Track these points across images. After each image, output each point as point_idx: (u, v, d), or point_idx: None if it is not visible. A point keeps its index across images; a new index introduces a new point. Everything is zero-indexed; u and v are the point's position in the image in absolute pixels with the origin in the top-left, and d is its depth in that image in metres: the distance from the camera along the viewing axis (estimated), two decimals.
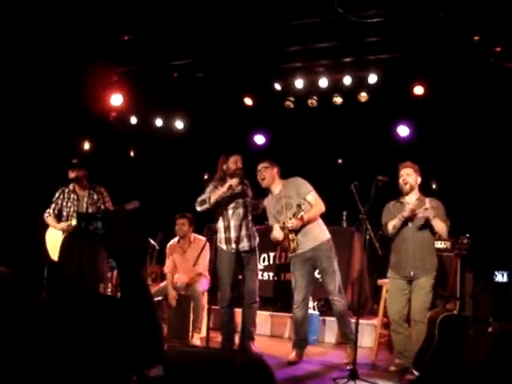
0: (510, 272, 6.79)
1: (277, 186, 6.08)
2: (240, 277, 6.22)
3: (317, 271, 6.20)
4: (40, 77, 7.89)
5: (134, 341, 2.74)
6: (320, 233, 5.99)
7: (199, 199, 6.11)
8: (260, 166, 6.09)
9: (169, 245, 7.25)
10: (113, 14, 7.03)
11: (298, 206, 5.80)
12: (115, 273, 7.16)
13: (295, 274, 6.03)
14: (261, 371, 2.83)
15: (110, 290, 7.09)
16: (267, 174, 6.05)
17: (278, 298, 7.61)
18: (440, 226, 5.40)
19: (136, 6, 6.97)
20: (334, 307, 6.00)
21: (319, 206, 5.97)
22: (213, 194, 5.97)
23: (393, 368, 5.59)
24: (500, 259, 6.91)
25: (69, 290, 2.92)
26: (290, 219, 5.83)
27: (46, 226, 6.67)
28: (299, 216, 5.79)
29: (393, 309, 5.62)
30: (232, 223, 6.08)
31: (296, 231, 5.90)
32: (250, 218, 6.19)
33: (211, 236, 6.10)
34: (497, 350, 2.93)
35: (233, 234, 6.03)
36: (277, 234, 6.00)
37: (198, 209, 6.15)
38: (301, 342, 6.08)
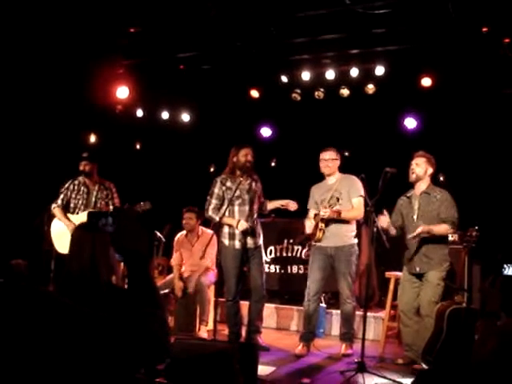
0: None
1: (332, 178, 6.07)
2: (245, 269, 6.21)
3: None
4: (46, 70, 7.88)
5: (143, 335, 2.74)
6: (348, 235, 5.98)
7: (211, 208, 6.10)
8: (327, 156, 6.06)
9: (176, 238, 7.24)
10: (119, 7, 7.01)
11: (337, 199, 5.81)
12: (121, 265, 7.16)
13: (312, 266, 6.04)
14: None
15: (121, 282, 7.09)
16: (333, 164, 6.05)
17: (285, 290, 7.61)
18: (440, 230, 5.38)
19: None
20: (345, 307, 6.02)
21: (358, 212, 5.94)
22: (219, 216, 5.96)
23: (400, 361, 5.58)
24: (509, 252, 6.87)
25: (81, 283, 2.91)
26: (325, 208, 5.83)
27: (51, 219, 6.65)
28: (335, 208, 5.79)
29: (402, 300, 5.62)
30: (237, 219, 6.08)
31: (327, 223, 5.88)
32: (255, 214, 6.18)
33: (218, 229, 6.08)
34: (503, 345, 2.91)
35: (237, 231, 6.03)
36: (307, 225, 6.07)
37: (208, 215, 6.18)
38: (309, 334, 6.08)
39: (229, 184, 6.10)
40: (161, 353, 2.90)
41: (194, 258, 6.91)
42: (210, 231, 6.89)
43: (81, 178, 6.62)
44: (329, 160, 6.04)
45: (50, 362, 2.48)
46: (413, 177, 5.55)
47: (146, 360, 2.83)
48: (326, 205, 5.86)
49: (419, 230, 5.30)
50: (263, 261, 6.28)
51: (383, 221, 5.46)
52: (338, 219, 5.85)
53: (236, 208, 6.06)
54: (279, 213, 7.86)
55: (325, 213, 5.80)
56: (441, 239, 5.42)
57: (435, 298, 5.29)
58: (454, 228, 5.37)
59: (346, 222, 5.92)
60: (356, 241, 6.04)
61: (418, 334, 5.43)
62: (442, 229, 5.37)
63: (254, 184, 6.15)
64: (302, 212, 6.27)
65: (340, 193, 5.94)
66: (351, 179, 6.04)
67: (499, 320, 4.67)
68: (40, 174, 8.24)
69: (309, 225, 6.04)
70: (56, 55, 7.73)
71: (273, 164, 10.01)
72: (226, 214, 6.00)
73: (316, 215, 5.96)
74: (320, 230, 5.89)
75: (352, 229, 6.02)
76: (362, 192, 5.91)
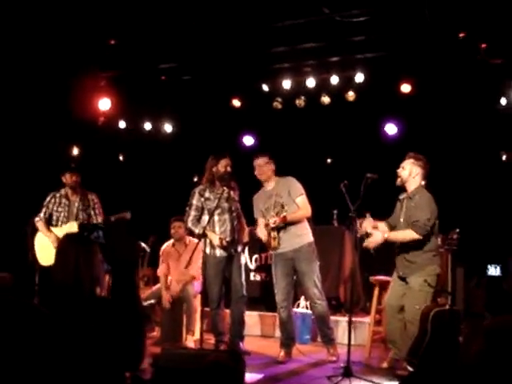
0: (503, 265, 6.83)
1: (270, 183, 6.10)
2: (227, 275, 6.25)
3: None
4: (27, 82, 7.87)
5: (124, 342, 2.76)
6: (302, 235, 6.01)
7: (190, 220, 6.16)
8: (260, 161, 6.08)
9: (163, 249, 7.22)
10: (99, 19, 7.03)
11: (281, 206, 5.86)
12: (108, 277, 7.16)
13: (275, 274, 6.09)
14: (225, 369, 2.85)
15: (105, 294, 7.08)
16: (266, 169, 6.06)
17: (269, 298, 7.61)
18: (399, 237, 5.40)
19: (122, 11, 6.97)
20: (315, 310, 6.04)
21: (305, 211, 6.00)
22: (201, 227, 6.00)
23: (385, 364, 5.61)
24: (492, 253, 6.95)
25: (64, 295, 2.93)
26: (273, 217, 5.87)
27: (35, 232, 6.67)
28: (281, 215, 5.83)
29: (388, 297, 5.64)
30: (217, 229, 6.11)
31: (278, 230, 5.93)
32: (235, 223, 6.21)
33: (200, 239, 6.08)
34: (489, 344, 2.95)
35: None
36: (260, 232, 6.04)
37: (187, 226, 6.27)
38: (287, 341, 6.10)
39: (207, 195, 6.13)
40: (135, 360, 2.93)
41: (180, 268, 6.90)
42: (197, 240, 6.89)
43: (63, 191, 6.65)
44: (262, 165, 6.06)
45: (34, 371, 2.49)
46: (398, 181, 5.53)
47: (120, 367, 2.85)
48: (273, 214, 5.91)
49: (377, 238, 5.34)
50: (242, 264, 6.31)
51: (367, 224, 5.47)
52: (287, 223, 5.89)
53: (216, 218, 6.09)
54: None
55: (274, 222, 5.85)
56: (422, 243, 5.33)
57: (419, 305, 5.19)
58: (418, 232, 5.24)
59: (296, 223, 5.95)
60: (312, 238, 6.04)
61: (402, 331, 5.46)
62: (401, 235, 5.37)
63: (231, 192, 6.18)
64: None
65: (281, 196, 5.97)
66: (289, 180, 6.08)
67: (484, 321, 4.71)
68: (24, 186, 8.21)
69: (262, 231, 6.01)
70: (37, 68, 7.73)
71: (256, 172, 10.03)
72: (206, 222, 6.01)
73: (267, 225, 5.97)
74: (274, 238, 5.93)
75: (304, 227, 6.03)
76: (302, 190, 5.99)
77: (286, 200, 5.94)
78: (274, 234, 5.93)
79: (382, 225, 5.62)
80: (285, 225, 5.90)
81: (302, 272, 5.96)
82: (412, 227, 5.29)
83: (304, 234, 6.02)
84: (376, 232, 5.42)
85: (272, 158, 6.13)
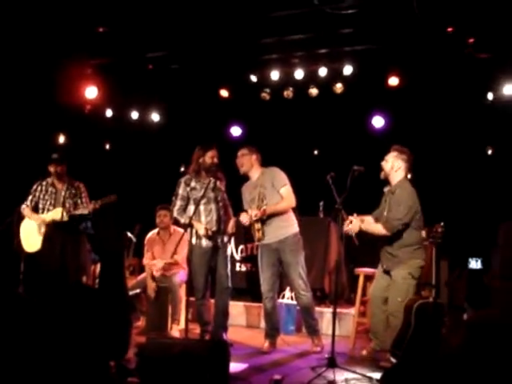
0: (484, 259, 6.90)
1: (255, 173, 6.12)
2: (212, 265, 6.25)
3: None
4: (14, 70, 7.81)
5: (109, 331, 2.77)
6: (287, 226, 6.03)
7: (176, 209, 6.16)
8: (238, 154, 6.13)
9: (147, 237, 7.23)
10: (87, 6, 6.97)
11: (261, 200, 5.88)
12: (96, 266, 7.15)
13: (261, 264, 6.12)
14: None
15: (91, 282, 7.07)
16: (245, 160, 6.09)
17: (254, 288, 7.63)
18: (370, 230, 5.47)
19: None
20: (300, 301, 6.07)
21: (289, 201, 6.01)
22: (187, 217, 6.00)
23: (364, 352, 5.66)
24: (474, 246, 7.01)
25: (50, 283, 2.93)
26: (254, 210, 5.92)
27: (21, 220, 6.66)
28: (262, 209, 5.87)
29: (372, 289, 5.71)
30: (203, 218, 6.11)
31: (263, 222, 5.96)
32: (221, 213, 6.22)
33: (186, 228, 6.08)
34: (470, 338, 2.99)
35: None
36: (243, 218, 6.06)
37: (173, 216, 6.27)
38: (272, 331, 6.14)
39: (193, 184, 6.13)
40: (121, 349, 2.94)
41: (165, 256, 6.91)
42: (181, 230, 6.89)
43: (49, 179, 6.66)
44: (240, 157, 6.11)
45: (18, 357, 2.49)
46: (381, 174, 5.57)
47: (107, 355, 2.87)
48: (255, 206, 5.95)
49: (355, 226, 5.41)
50: (228, 255, 6.32)
51: (355, 226, 5.49)
52: (271, 215, 5.92)
53: (202, 207, 6.09)
54: None
55: (255, 215, 5.90)
56: (401, 237, 5.37)
57: (401, 298, 5.25)
58: (387, 228, 5.33)
59: (280, 214, 5.97)
60: (297, 229, 6.06)
61: (385, 323, 5.50)
62: (372, 228, 5.46)
63: (218, 182, 6.19)
64: None
65: (265, 187, 6.00)
66: (273, 171, 6.11)
67: (465, 313, 4.76)
68: (9, 175, 8.16)
69: (245, 217, 6.02)
70: (24, 55, 7.66)
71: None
72: (192, 212, 6.02)
73: (250, 217, 5.99)
74: (258, 230, 5.98)
75: (289, 218, 6.05)
76: (286, 180, 6.01)
77: (270, 191, 5.97)
78: (257, 225, 5.96)
79: (369, 218, 5.65)
80: (268, 216, 5.92)
81: (287, 263, 5.99)
82: (382, 223, 5.39)
83: (289, 225, 6.04)
84: (356, 221, 5.46)
85: (253, 149, 6.15)
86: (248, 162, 6.10)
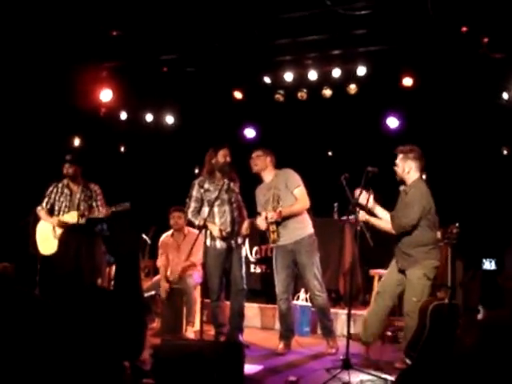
0: (498, 259, 6.86)
1: (268, 175, 6.13)
2: (227, 267, 6.26)
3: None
4: (29, 73, 7.87)
5: (124, 333, 2.79)
6: (303, 227, 6.04)
7: (190, 211, 6.19)
8: (253, 155, 6.15)
9: (162, 239, 7.25)
10: (101, 10, 7.02)
11: (277, 201, 5.88)
12: (111, 268, 7.19)
13: (276, 266, 6.12)
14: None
15: (106, 284, 7.11)
16: (259, 161, 6.11)
17: (269, 290, 7.63)
18: (381, 225, 5.49)
19: (124, 2, 6.96)
20: (316, 302, 6.07)
21: (303, 202, 6.02)
22: (202, 219, 6.02)
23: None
24: (488, 247, 6.97)
25: (65, 285, 2.96)
26: (270, 212, 5.92)
27: (37, 221, 6.70)
28: (277, 211, 5.87)
29: (383, 281, 5.71)
30: (217, 220, 6.12)
31: (278, 223, 5.96)
32: (235, 214, 6.22)
33: (201, 230, 6.09)
34: (483, 338, 2.97)
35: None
36: (260, 222, 6.07)
37: (188, 218, 6.32)
38: (287, 333, 6.14)
39: (207, 186, 6.14)
40: (135, 350, 2.96)
41: (180, 258, 6.93)
42: (196, 231, 6.91)
43: (65, 181, 6.68)
44: (255, 158, 6.12)
45: (36, 359, 2.51)
46: (397, 178, 5.54)
47: (121, 356, 2.88)
48: (271, 208, 5.95)
49: (360, 216, 5.42)
50: (243, 256, 6.33)
51: (361, 215, 5.49)
52: (286, 216, 5.92)
53: (216, 209, 6.10)
54: None
55: (271, 217, 5.90)
56: (416, 236, 5.34)
57: (416, 298, 5.22)
58: (394, 228, 5.35)
59: (295, 215, 5.98)
60: (312, 230, 6.07)
61: (382, 317, 5.52)
62: (380, 223, 5.49)
63: (232, 184, 6.20)
64: None
65: (279, 189, 6.00)
66: (286, 172, 6.12)
67: (479, 314, 4.73)
68: (26, 176, 8.23)
69: (262, 221, 6.04)
70: (39, 59, 7.73)
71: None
72: (207, 214, 6.02)
73: (266, 218, 6.00)
74: (273, 232, 5.98)
75: (304, 219, 6.07)
76: (300, 181, 6.02)
77: (284, 192, 5.97)
78: (272, 227, 5.96)
79: (387, 216, 5.60)
80: (283, 218, 5.93)
81: (302, 264, 5.99)
82: (392, 221, 5.38)
83: (304, 227, 6.04)
84: (363, 212, 5.47)
85: (268, 151, 6.17)
86: (262, 163, 6.11)
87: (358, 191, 5.41)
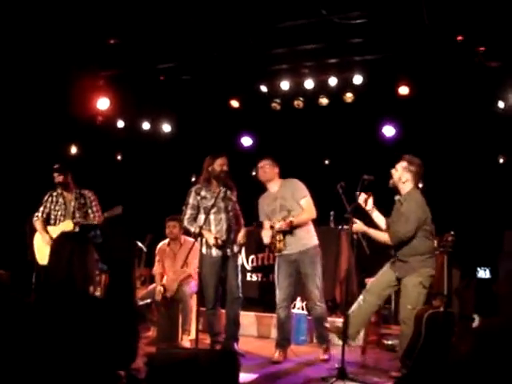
0: (493, 268, 6.86)
1: (274, 185, 6.14)
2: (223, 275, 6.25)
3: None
4: (26, 81, 7.89)
5: (116, 341, 2.78)
6: (308, 238, 6.05)
7: (186, 218, 6.19)
8: (263, 164, 6.14)
9: (158, 248, 7.24)
10: (99, 18, 7.04)
11: (288, 211, 5.87)
12: (104, 276, 7.17)
13: (278, 274, 6.10)
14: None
15: (99, 292, 7.08)
16: (269, 170, 6.12)
17: (265, 298, 7.63)
18: (375, 236, 5.52)
19: (122, 10, 6.98)
20: (315, 311, 6.08)
21: (310, 213, 6.03)
22: (197, 226, 6.00)
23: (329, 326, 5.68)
24: (483, 255, 6.98)
25: (58, 292, 2.95)
26: (279, 221, 5.90)
27: (34, 230, 6.69)
28: (288, 220, 5.85)
29: (372, 281, 5.68)
30: (212, 228, 6.13)
31: (284, 233, 5.95)
32: (231, 223, 6.21)
33: (197, 238, 6.09)
34: (478, 346, 2.97)
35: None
36: (264, 235, 6.07)
37: (184, 225, 6.31)
38: (283, 341, 6.12)
39: (203, 193, 6.15)
40: (127, 359, 2.95)
41: (176, 267, 6.92)
42: (192, 240, 6.90)
43: (58, 190, 6.67)
44: (265, 166, 6.13)
45: (27, 367, 2.51)
46: (390, 182, 5.52)
47: (114, 364, 2.87)
48: (280, 218, 5.94)
49: (356, 226, 5.43)
50: (238, 265, 6.32)
51: (359, 226, 5.49)
52: (293, 227, 5.93)
53: (212, 216, 6.09)
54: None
55: (280, 226, 5.89)
56: (413, 245, 5.33)
57: (411, 305, 5.22)
58: (392, 240, 5.35)
59: (301, 225, 5.99)
60: (317, 241, 6.09)
61: (367, 316, 5.55)
62: (378, 235, 5.50)
63: (228, 192, 6.20)
64: None
65: (285, 199, 6.01)
66: (293, 182, 6.13)
67: (473, 322, 4.73)
68: (23, 184, 8.23)
69: (267, 234, 6.06)
70: (37, 67, 7.74)
71: (253, 173, 10.08)
72: (203, 222, 6.03)
73: (272, 227, 6.00)
74: (279, 241, 5.97)
75: (309, 228, 6.08)
76: (306, 192, 6.03)
77: (290, 202, 5.98)
78: (279, 236, 5.96)
79: (383, 221, 5.60)
80: (290, 228, 5.93)
81: (305, 274, 6.00)
82: (389, 233, 5.39)
83: (310, 237, 6.06)
84: (360, 222, 5.49)
85: (275, 162, 6.18)
86: (271, 172, 6.13)
87: (357, 193, 5.42)
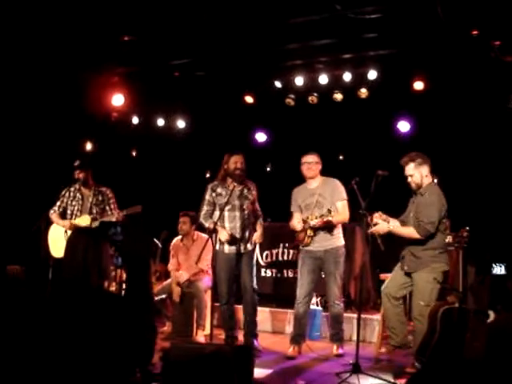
0: (508, 264, 6.81)
1: (315, 182, 6.17)
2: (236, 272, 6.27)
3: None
4: (42, 78, 7.94)
5: (134, 337, 2.80)
6: (336, 238, 6.09)
7: (202, 214, 6.23)
8: (310, 158, 6.17)
9: (172, 244, 7.29)
10: (113, 15, 7.07)
11: (329, 211, 5.87)
12: (119, 271, 7.22)
13: (301, 269, 6.13)
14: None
15: (113, 287, 7.13)
16: (316, 167, 6.16)
17: (280, 294, 7.64)
18: (401, 232, 5.43)
19: (136, 7, 7.01)
20: (333, 309, 6.12)
21: (344, 216, 6.06)
22: (212, 222, 6.05)
23: (383, 349, 5.74)
24: (498, 252, 6.92)
25: (73, 288, 2.98)
26: (316, 218, 5.92)
27: (49, 225, 6.75)
28: (326, 219, 5.86)
29: (386, 284, 5.64)
30: (226, 225, 6.15)
31: (315, 229, 5.98)
32: (246, 221, 6.22)
33: (211, 234, 6.11)
34: (492, 341, 2.97)
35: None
36: (296, 224, 6.10)
37: (199, 221, 6.33)
38: (299, 337, 6.14)
39: (219, 190, 6.19)
40: (146, 356, 2.98)
41: (190, 263, 6.95)
42: (205, 236, 6.93)
43: (76, 185, 6.72)
44: (312, 163, 6.14)
45: (46, 363, 2.53)
46: (413, 186, 5.48)
47: (133, 362, 2.90)
48: (317, 215, 5.94)
49: (383, 227, 5.38)
50: (253, 262, 6.33)
51: (383, 227, 5.44)
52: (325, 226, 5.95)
53: (226, 213, 6.13)
54: (275, 217, 7.94)
55: (316, 223, 5.91)
56: (427, 240, 5.31)
57: (424, 301, 5.22)
58: (420, 232, 5.27)
59: (332, 226, 6.01)
60: (343, 242, 6.13)
61: (399, 317, 5.48)
62: (404, 231, 5.41)
63: (245, 190, 6.21)
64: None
65: (324, 197, 6.04)
66: (334, 183, 6.15)
67: (488, 318, 4.70)
68: (38, 180, 8.29)
69: (298, 225, 6.09)
70: (52, 64, 7.79)
71: (268, 169, 10.10)
72: (218, 219, 6.06)
73: (304, 222, 6.04)
74: (309, 236, 6.01)
75: (338, 231, 6.13)
76: (345, 195, 6.02)
77: (328, 201, 6.02)
78: (310, 232, 6.01)
79: (394, 220, 5.60)
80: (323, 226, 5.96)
81: (328, 273, 6.05)
82: (415, 226, 5.32)
83: (337, 238, 6.10)
84: (383, 222, 5.44)
85: (320, 157, 6.22)
86: (317, 170, 6.18)
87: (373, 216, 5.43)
